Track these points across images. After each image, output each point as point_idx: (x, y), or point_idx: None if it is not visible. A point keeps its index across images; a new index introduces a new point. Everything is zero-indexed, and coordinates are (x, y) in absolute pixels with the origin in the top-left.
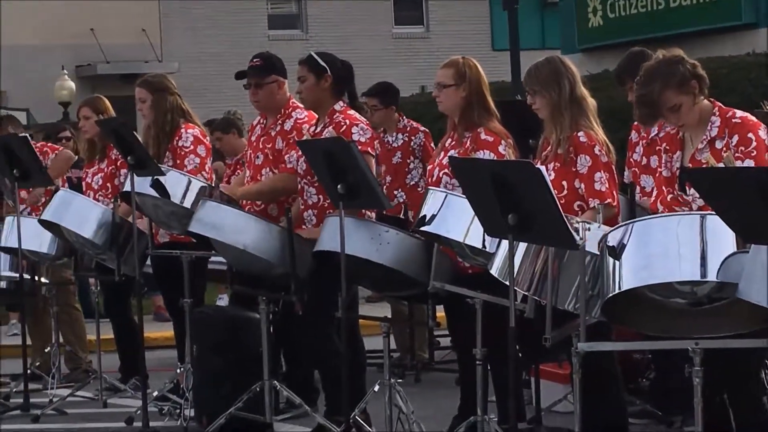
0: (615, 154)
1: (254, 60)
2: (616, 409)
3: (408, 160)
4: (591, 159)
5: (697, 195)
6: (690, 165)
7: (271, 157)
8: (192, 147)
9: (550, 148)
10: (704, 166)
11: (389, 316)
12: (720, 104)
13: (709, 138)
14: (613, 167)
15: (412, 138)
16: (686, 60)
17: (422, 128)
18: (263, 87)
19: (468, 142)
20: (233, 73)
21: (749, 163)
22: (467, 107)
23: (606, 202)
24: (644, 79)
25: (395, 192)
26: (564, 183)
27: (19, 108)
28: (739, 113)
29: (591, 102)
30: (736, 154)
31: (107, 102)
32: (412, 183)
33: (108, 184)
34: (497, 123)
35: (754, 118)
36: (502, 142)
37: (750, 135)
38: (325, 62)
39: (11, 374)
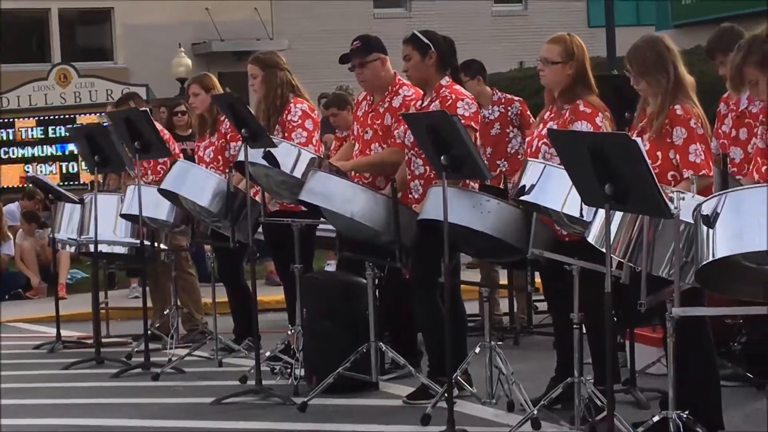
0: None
1: (354, 42)
2: (708, 372)
3: (507, 130)
4: (686, 131)
5: None
6: None
7: (380, 133)
8: (300, 121)
9: (646, 119)
10: None
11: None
12: None
13: None
14: (709, 140)
15: (509, 108)
16: None
17: (516, 98)
18: (367, 66)
19: (567, 114)
20: (340, 51)
21: None
22: (571, 83)
23: (701, 173)
24: (735, 50)
25: (497, 162)
26: (659, 153)
27: (140, 84)
28: None
29: (690, 80)
30: None
31: (215, 79)
32: (512, 151)
33: (219, 157)
34: (596, 97)
35: None
36: (600, 114)
37: None
38: (428, 39)
39: (133, 335)
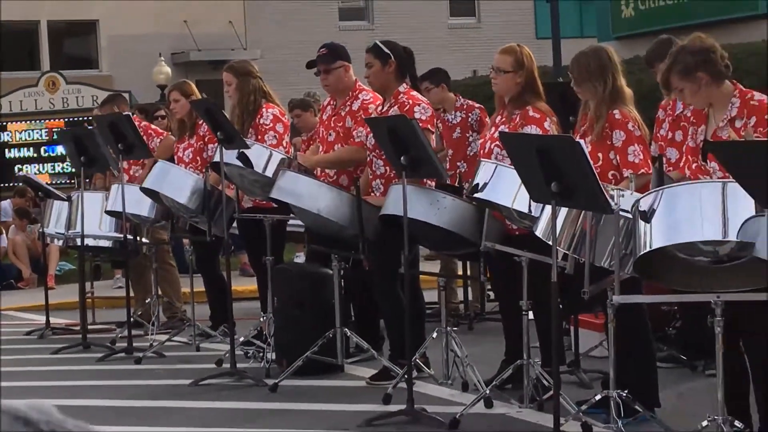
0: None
1: (321, 50)
2: (645, 354)
3: (467, 134)
4: (625, 134)
5: (717, 167)
6: (712, 140)
7: (342, 135)
8: (271, 125)
9: (587, 124)
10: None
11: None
12: (741, 86)
13: (729, 117)
14: (646, 141)
15: (469, 114)
16: (703, 51)
17: (478, 105)
18: (331, 72)
19: (517, 119)
20: (308, 60)
21: None
22: (521, 91)
23: (640, 172)
24: (655, 56)
25: (458, 163)
26: (600, 155)
27: (123, 90)
28: (757, 95)
29: (628, 91)
30: (755, 135)
31: (194, 86)
32: (471, 154)
33: (197, 158)
34: (543, 103)
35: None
36: (548, 119)
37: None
38: (388, 49)
39: (117, 322)
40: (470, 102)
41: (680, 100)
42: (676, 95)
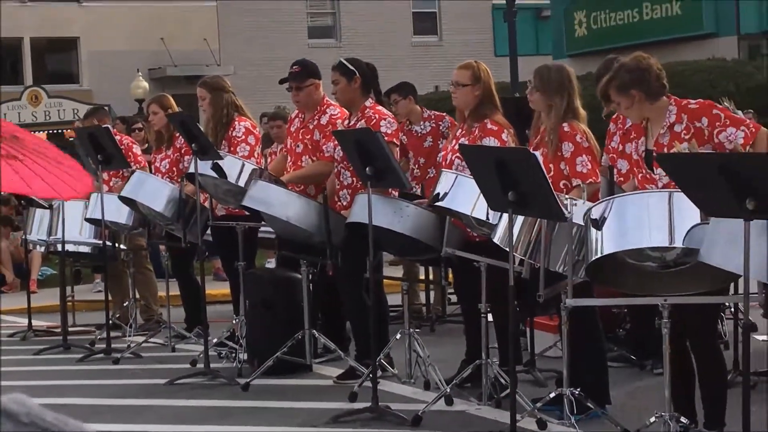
0: (597, 143)
1: (293, 67)
2: (597, 354)
3: (438, 143)
4: (573, 145)
5: (663, 174)
6: (654, 148)
7: (310, 147)
8: (243, 137)
9: (539, 137)
10: (672, 150)
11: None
12: (675, 97)
13: (668, 124)
14: (595, 152)
15: (440, 123)
16: (638, 71)
17: (446, 114)
18: (303, 89)
19: (476, 131)
20: (279, 76)
21: (731, 131)
22: (479, 104)
23: (588, 181)
24: (604, 73)
25: (429, 170)
26: (552, 165)
27: (103, 104)
28: (693, 101)
29: (582, 113)
30: (717, 128)
31: (171, 99)
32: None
33: (174, 168)
34: (501, 116)
35: (706, 101)
36: (505, 131)
37: (714, 111)
38: (354, 66)
39: (96, 324)
40: (438, 112)
41: (617, 111)
42: (614, 107)
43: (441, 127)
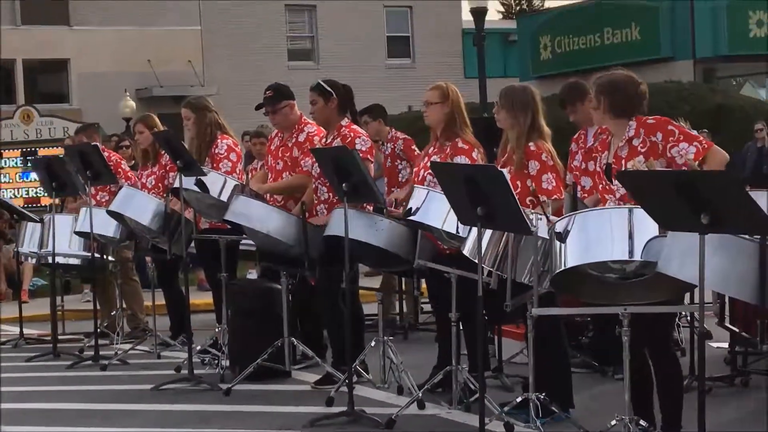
0: (560, 161)
1: (267, 92)
2: (561, 360)
3: (396, 163)
4: (539, 164)
5: (620, 185)
6: (614, 160)
7: (289, 163)
8: (226, 154)
9: (506, 155)
10: (629, 165)
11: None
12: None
13: (627, 138)
14: (559, 170)
15: (395, 145)
16: (615, 83)
17: (402, 136)
18: (278, 112)
19: (448, 149)
20: (260, 96)
21: (683, 146)
22: (449, 121)
23: (553, 197)
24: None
25: (392, 189)
26: (518, 182)
27: (91, 122)
28: (651, 117)
29: (547, 130)
30: (670, 143)
31: (156, 119)
32: (403, 180)
33: (159, 184)
34: (471, 135)
35: (663, 117)
36: (475, 150)
37: (669, 127)
38: (330, 87)
39: (84, 332)
40: (397, 134)
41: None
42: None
43: (396, 149)
